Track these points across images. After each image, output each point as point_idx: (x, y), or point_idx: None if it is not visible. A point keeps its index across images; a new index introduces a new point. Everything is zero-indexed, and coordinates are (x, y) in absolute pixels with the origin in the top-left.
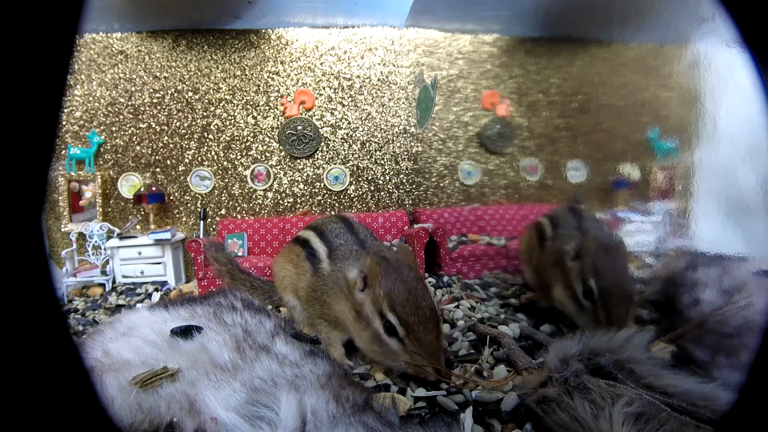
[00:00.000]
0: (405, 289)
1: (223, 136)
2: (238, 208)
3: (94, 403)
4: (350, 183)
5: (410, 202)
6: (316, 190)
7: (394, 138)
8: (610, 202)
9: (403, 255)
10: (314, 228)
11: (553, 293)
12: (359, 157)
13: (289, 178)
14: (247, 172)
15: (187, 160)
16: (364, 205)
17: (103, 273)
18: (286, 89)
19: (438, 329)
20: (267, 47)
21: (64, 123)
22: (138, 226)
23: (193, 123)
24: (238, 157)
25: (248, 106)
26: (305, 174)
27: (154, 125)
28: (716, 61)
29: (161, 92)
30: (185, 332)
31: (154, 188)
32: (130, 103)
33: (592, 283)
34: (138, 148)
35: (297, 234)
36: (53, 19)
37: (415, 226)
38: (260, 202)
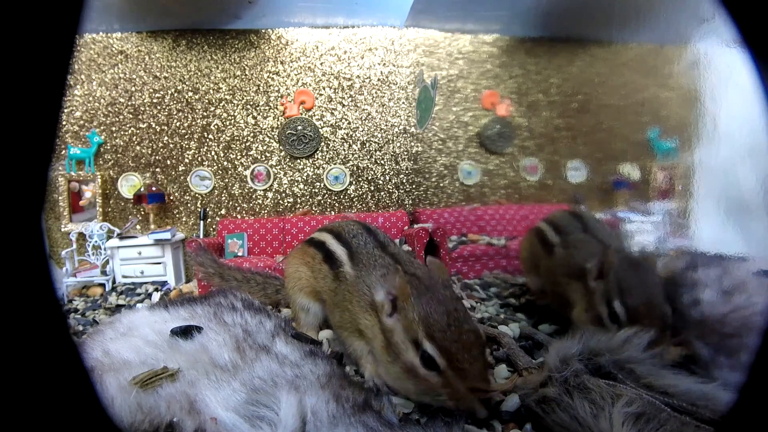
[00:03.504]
0: (443, 311)
1: (223, 136)
2: (238, 208)
3: (94, 403)
4: (350, 183)
5: (410, 202)
6: (316, 190)
7: (394, 138)
8: (610, 202)
9: (436, 271)
10: (329, 230)
11: (572, 315)
12: (359, 157)
13: (289, 178)
14: (247, 172)
15: (187, 160)
16: (364, 205)
17: (103, 273)
18: (286, 89)
19: (484, 356)
20: (267, 47)
21: (64, 123)
22: (138, 226)
23: (193, 123)
24: (238, 157)
25: (248, 106)
26: (305, 174)
27: (154, 125)
28: (716, 61)
29: (161, 92)
30: (185, 332)
31: (154, 188)
32: (130, 103)
33: (617, 307)
34: (138, 148)
35: (311, 235)
36: (53, 19)
37: (415, 226)
38: (260, 202)
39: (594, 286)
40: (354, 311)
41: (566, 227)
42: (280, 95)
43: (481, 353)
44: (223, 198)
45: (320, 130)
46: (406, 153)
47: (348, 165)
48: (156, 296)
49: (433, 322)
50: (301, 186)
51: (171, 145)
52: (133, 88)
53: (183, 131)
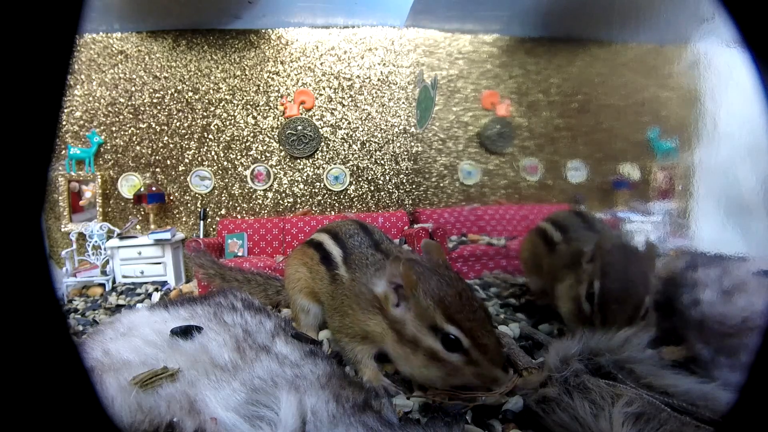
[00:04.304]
0: (455, 292)
1: (223, 136)
2: (238, 208)
3: (94, 403)
4: (350, 183)
5: (410, 202)
6: (316, 190)
7: (394, 138)
8: (610, 202)
9: (433, 254)
10: (327, 230)
11: (555, 292)
12: (359, 157)
13: (289, 178)
14: (247, 172)
15: (187, 160)
16: (364, 205)
17: (103, 273)
18: (286, 89)
19: (494, 328)
20: (267, 47)
21: (64, 123)
22: (138, 226)
23: (193, 123)
24: (238, 157)
25: (248, 106)
26: (305, 174)
27: (154, 125)
28: (716, 61)
29: (161, 92)
30: (185, 332)
31: (154, 188)
32: (130, 103)
33: (596, 285)
34: (138, 148)
35: (310, 236)
36: (53, 19)
37: (415, 226)
38: (260, 202)
39: (585, 267)
40: (356, 315)
41: (569, 226)
42: (280, 95)
43: (492, 326)
44: (223, 198)
45: (320, 130)
46: (406, 153)
47: (348, 165)
48: (156, 296)
49: (448, 304)
50: (301, 186)
51: (171, 145)
52: (133, 88)
53: (183, 131)
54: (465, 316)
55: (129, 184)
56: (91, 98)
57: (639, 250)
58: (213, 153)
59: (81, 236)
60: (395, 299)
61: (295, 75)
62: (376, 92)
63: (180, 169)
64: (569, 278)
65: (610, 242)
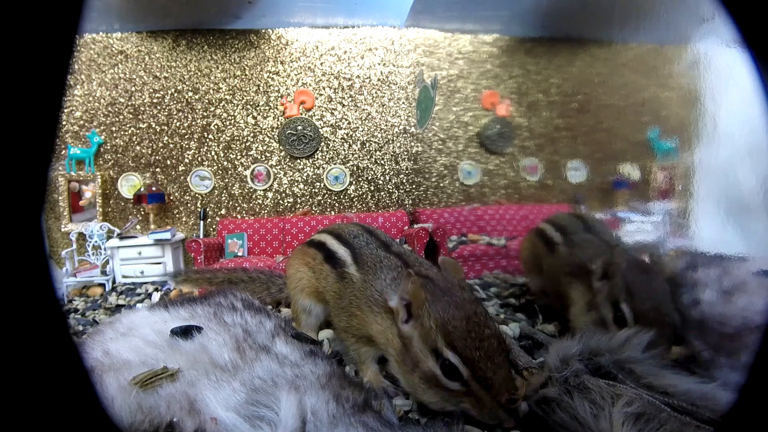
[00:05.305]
0: (462, 316)
1: (223, 136)
2: (238, 208)
3: (94, 403)
4: (350, 183)
5: (410, 202)
6: (316, 190)
7: (394, 138)
8: (610, 202)
9: (451, 271)
10: (329, 231)
11: (570, 314)
12: (359, 157)
13: (289, 178)
14: (247, 172)
15: (187, 160)
16: (364, 205)
17: (103, 273)
18: (286, 89)
19: (508, 362)
20: (267, 47)
21: (64, 123)
22: (138, 226)
23: (193, 123)
24: (238, 157)
25: (248, 106)
26: (305, 174)
27: (154, 125)
28: (716, 61)
29: (161, 92)
30: (185, 332)
31: (154, 188)
32: (130, 103)
33: (625, 309)
34: (138, 148)
35: (310, 237)
36: (53, 19)
37: (415, 226)
38: (260, 202)
39: (598, 286)
40: (363, 317)
41: (568, 227)
42: (280, 95)
43: (504, 359)
44: (223, 198)
45: (320, 130)
46: (406, 153)
47: (348, 165)
48: (156, 296)
49: (452, 328)
50: (301, 186)
51: (171, 145)
52: (133, 88)
53: (183, 131)
54: (467, 344)
55: (129, 184)
56: (91, 98)
57: (651, 262)
58: (213, 153)
59: (81, 236)
60: (405, 315)
61: (295, 75)
62: (376, 92)
63: (180, 169)
64: (579, 299)
65: (623, 257)
